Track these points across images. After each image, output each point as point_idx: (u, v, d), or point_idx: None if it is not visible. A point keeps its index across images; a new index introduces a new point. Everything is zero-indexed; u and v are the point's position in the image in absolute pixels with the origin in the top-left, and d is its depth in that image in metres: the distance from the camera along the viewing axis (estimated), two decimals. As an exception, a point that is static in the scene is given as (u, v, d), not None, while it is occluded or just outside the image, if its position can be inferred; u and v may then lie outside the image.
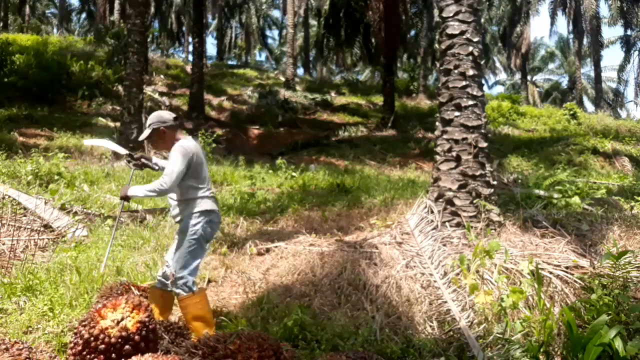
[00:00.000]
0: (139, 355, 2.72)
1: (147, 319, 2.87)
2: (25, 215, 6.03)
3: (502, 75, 52.58)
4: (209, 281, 4.86)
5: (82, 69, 20.18)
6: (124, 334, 2.76)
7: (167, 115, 3.79)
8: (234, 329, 3.61)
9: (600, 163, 16.00)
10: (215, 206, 3.74)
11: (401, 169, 14.31)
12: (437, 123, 5.51)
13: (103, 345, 2.71)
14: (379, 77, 32.71)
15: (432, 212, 5.21)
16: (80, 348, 2.73)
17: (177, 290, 3.58)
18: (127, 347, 2.75)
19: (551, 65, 49.74)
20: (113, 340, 2.73)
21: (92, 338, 2.73)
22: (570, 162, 14.69)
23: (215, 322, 3.74)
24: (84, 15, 46.60)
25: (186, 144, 3.63)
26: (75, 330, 2.83)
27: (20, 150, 10.06)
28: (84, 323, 2.81)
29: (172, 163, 3.52)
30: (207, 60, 31.77)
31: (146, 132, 3.74)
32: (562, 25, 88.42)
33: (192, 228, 3.59)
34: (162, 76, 25.92)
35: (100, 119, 17.16)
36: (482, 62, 5.60)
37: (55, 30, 42.31)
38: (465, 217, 5.00)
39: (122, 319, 2.81)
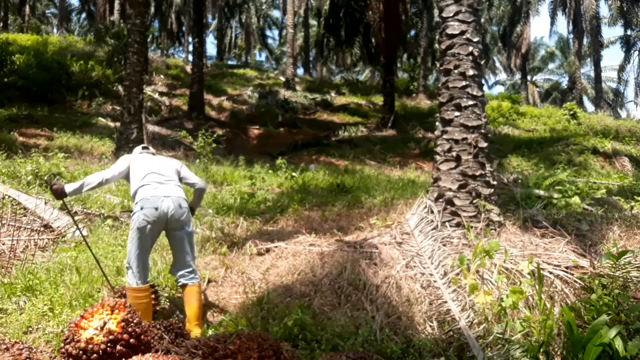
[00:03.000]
0: (136, 353, 2.72)
1: (128, 316, 2.86)
2: (25, 215, 6.03)
3: (502, 75, 52.61)
4: (209, 281, 4.86)
5: (82, 69, 20.16)
6: (110, 337, 2.75)
7: (136, 149, 4.47)
8: (234, 329, 3.61)
9: (600, 163, 15.99)
10: (152, 192, 3.85)
11: (401, 169, 14.30)
12: (437, 123, 5.51)
13: (94, 355, 2.69)
14: (379, 77, 32.72)
15: (432, 212, 5.21)
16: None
17: (126, 279, 3.86)
18: (118, 347, 2.74)
19: (551, 65, 49.74)
20: (102, 346, 2.71)
21: (80, 352, 2.70)
22: (570, 162, 14.68)
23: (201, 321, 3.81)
24: (84, 15, 46.62)
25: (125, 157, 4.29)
26: (61, 350, 2.79)
27: (20, 150, 10.05)
28: (67, 340, 2.78)
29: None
30: (207, 60, 31.78)
31: None
32: (562, 25, 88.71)
33: (131, 220, 3.85)
34: (162, 76, 25.91)
35: (100, 119, 17.15)
36: (482, 62, 5.60)
37: (55, 30, 42.29)
38: (465, 217, 5.00)
39: (105, 324, 2.79)
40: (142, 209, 3.77)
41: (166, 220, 3.83)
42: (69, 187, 3.95)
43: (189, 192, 4.53)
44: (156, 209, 3.77)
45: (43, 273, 4.54)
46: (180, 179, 4.20)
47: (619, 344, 2.90)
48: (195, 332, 3.68)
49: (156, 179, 3.97)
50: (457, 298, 4.13)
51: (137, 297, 3.70)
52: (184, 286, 3.91)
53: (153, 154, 4.44)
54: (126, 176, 4.12)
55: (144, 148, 4.44)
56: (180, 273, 3.92)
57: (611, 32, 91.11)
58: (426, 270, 4.50)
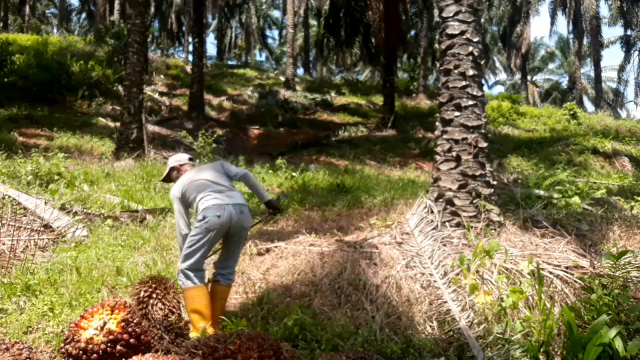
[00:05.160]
0: (136, 353, 2.72)
1: (128, 316, 2.86)
2: (25, 215, 6.03)
3: (502, 75, 52.62)
4: (209, 281, 4.85)
5: (82, 69, 20.15)
6: (110, 337, 2.74)
7: (183, 156, 4.42)
8: (234, 329, 3.61)
9: (600, 163, 15.99)
10: (215, 201, 3.85)
11: (401, 169, 14.31)
12: (437, 123, 5.51)
13: (94, 355, 2.69)
14: (379, 77, 32.70)
15: (432, 212, 5.21)
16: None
17: (179, 282, 3.86)
18: (118, 347, 2.74)
19: (551, 65, 49.74)
20: (102, 346, 2.71)
21: (80, 352, 2.70)
22: (570, 162, 14.67)
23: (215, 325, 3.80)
24: (84, 15, 46.65)
25: (176, 185, 4.09)
26: (62, 350, 2.79)
27: (20, 150, 10.05)
28: (67, 340, 2.78)
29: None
30: (207, 60, 31.76)
31: (167, 170, 4.34)
32: (562, 25, 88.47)
33: (193, 226, 3.86)
34: (162, 76, 25.91)
35: (100, 119, 17.16)
36: (482, 62, 5.60)
37: (55, 30, 42.31)
38: (465, 217, 5.00)
39: (105, 324, 2.79)
40: (204, 218, 3.77)
41: (229, 227, 3.86)
42: None
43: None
44: (218, 216, 3.79)
45: (43, 273, 4.53)
46: (231, 178, 4.17)
47: (619, 344, 2.90)
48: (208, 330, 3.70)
49: (214, 188, 3.95)
50: (457, 298, 4.13)
51: (197, 295, 3.75)
52: (216, 282, 3.97)
53: (193, 165, 4.36)
54: (186, 206, 4.01)
55: (190, 159, 4.34)
56: (220, 270, 4.01)
57: (611, 32, 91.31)
58: (426, 270, 4.50)
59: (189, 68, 24.73)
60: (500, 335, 3.41)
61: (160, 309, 3.81)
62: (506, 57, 42.60)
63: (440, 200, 5.18)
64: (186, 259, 3.81)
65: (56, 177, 8.17)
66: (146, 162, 11.25)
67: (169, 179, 4.32)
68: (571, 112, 22.87)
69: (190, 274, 3.77)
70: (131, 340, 2.79)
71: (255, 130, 20.62)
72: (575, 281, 4.07)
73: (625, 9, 30.77)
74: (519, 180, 7.65)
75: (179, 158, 4.37)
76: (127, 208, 7.21)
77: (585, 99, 40.59)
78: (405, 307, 4.10)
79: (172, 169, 4.29)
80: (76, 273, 4.52)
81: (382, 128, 21.02)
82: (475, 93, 5.21)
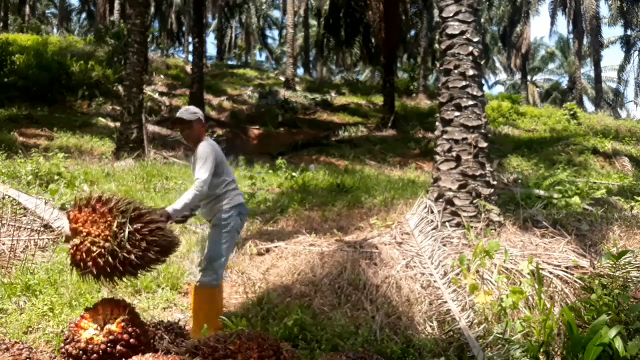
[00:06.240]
0: (136, 353, 2.72)
1: (129, 316, 2.87)
2: (25, 215, 6.02)
3: (502, 75, 52.63)
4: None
5: (82, 69, 20.14)
6: (111, 337, 2.75)
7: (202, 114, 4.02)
8: (234, 329, 3.61)
9: (600, 163, 15.99)
10: (242, 199, 3.90)
11: (401, 169, 14.30)
12: (437, 123, 5.51)
13: (95, 355, 2.69)
14: (379, 77, 32.71)
15: (432, 212, 5.21)
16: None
17: (201, 279, 3.67)
18: (118, 347, 2.74)
19: (551, 65, 49.73)
20: (102, 346, 2.71)
21: (80, 352, 2.70)
22: (570, 162, 14.67)
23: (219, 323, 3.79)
24: (84, 15, 46.70)
25: (211, 142, 3.79)
26: (61, 350, 2.79)
27: (20, 150, 10.04)
28: (67, 340, 2.78)
29: (202, 162, 3.60)
30: (207, 60, 31.77)
31: (190, 117, 3.79)
32: (562, 25, 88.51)
33: (225, 222, 3.72)
34: (162, 76, 25.90)
35: (100, 119, 17.16)
36: (482, 62, 5.60)
37: (55, 30, 42.29)
38: (465, 217, 5.00)
39: (105, 324, 2.79)
40: (239, 214, 3.81)
41: None
42: (172, 209, 3.42)
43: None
44: (246, 215, 3.94)
45: (43, 273, 4.53)
46: None
47: (619, 344, 2.90)
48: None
49: (236, 182, 3.93)
50: (457, 298, 4.13)
51: (211, 298, 3.68)
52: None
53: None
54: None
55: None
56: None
57: (611, 32, 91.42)
58: (426, 270, 4.50)
59: (189, 68, 24.73)
60: (500, 335, 3.41)
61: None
62: (506, 57, 42.63)
63: (440, 200, 5.18)
64: (220, 256, 3.69)
65: (56, 177, 8.16)
66: (146, 162, 11.25)
67: (179, 123, 3.82)
68: (571, 112, 22.88)
69: (219, 273, 3.70)
70: (131, 340, 2.79)
71: (255, 130, 20.63)
72: (575, 281, 4.07)
73: (625, 9, 30.78)
74: (519, 180, 7.65)
75: (202, 115, 3.91)
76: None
77: (585, 99, 40.61)
78: (405, 307, 4.10)
79: (198, 120, 3.79)
80: (76, 273, 4.51)
81: (382, 128, 21.02)
82: (475, 93, 5.22)
